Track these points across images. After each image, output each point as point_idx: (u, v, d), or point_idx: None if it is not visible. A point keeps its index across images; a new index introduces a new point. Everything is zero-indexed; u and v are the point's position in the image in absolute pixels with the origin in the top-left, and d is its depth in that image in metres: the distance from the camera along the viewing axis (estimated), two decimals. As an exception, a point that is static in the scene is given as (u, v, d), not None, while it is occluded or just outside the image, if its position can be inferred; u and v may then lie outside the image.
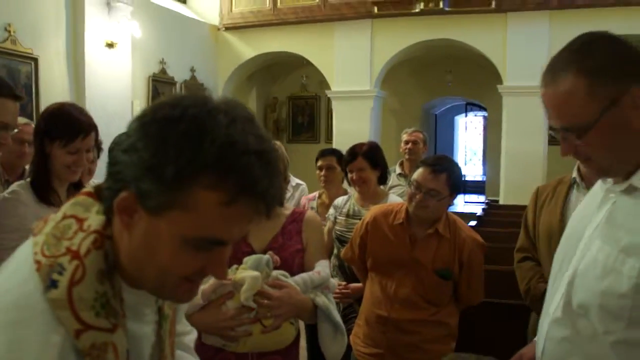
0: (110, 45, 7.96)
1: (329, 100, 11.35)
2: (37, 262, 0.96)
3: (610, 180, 1.52)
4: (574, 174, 2.82)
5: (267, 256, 2.24)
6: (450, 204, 2.81)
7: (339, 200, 3.82)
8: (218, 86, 10.86)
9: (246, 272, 2.16)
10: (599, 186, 1.61)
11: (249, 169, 0.90)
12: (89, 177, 2.96)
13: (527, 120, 9.51)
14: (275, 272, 2.24)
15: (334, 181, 4.19)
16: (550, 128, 1.52)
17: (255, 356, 2.23)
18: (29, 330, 0.90)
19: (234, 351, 2.18)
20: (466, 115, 15.67)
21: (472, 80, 12.25)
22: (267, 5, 10.55)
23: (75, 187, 2.48)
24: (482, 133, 16.13)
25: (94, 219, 1.00)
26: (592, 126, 1.40)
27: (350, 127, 9.91)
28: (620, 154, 1.44)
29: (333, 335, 2.28)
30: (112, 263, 0.99)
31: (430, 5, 9.64)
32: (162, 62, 9.35)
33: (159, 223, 0.92)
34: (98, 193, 1.04)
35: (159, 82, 9.28)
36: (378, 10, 9.96)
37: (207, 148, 0.88)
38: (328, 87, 10.78)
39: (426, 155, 5.22)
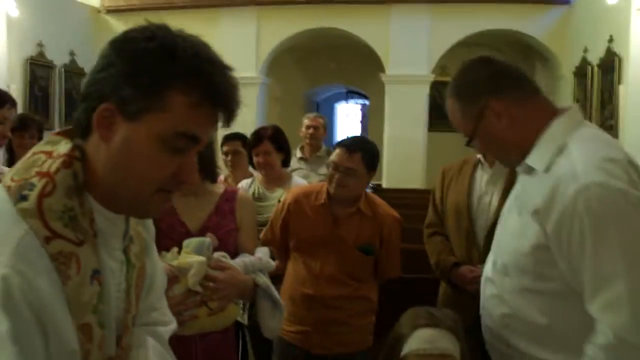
0: (-17, 24, 7.47)
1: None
2: (7, 186, 1.04)
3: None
4: (479, 155, 3.04)
5: (208, 239, 2.27)
6: (369, 181, 2.94)
7: (243, 184, 3.85)
8: (99, 71, 10.43)
9: (191, 257, 2.18)
10: None
11: (212, 77, 1.06)
12: None
13: (409, 108, 9.95)
14: (216, 254, 2.28)
15: (240, 165, 4.22)
16: None
17: (198, 337, 2.26)
18: None
19: (180, 334, 2.19)
20: (347, 103, 16.08)
21: (355, 68, 12.56)
22: (150, -11, 10.28)
23: None
24: (361, 120, 16.55)
25: (62, 147, 1.09)
26: (473, 136, 1.79)
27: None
28: (506, 148, 1.79)
29: (272, 312, 2.35)
30: (81, 183, 1.07)
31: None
32: (40, 44, 8.85)
33: (138, 127, 1.04)
34: (65, 132, 1.14)
35: (36, 66, 8.79)
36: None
37: (179, 57, 1.03)
38: (214, 74, 10.66)
39: (325, 140, 5.40)
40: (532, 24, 9.79)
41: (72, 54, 9.62)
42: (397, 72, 9.96)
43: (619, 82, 7.52)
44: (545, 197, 1.61)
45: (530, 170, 1.74)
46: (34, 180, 1.03)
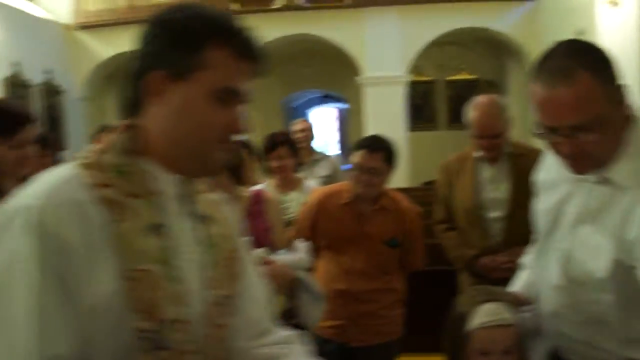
0: (-41, 47, 7.38)
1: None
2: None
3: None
4: (475, 154, 3.12)
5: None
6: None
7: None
8: (76, 88, 10.39)
9: None
10: (557, 171, 1.72)
11: (247, 37, 1.18)
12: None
13: (387, 108, 10.12)
14: (257, 252, 2.38)
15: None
16: (546, 130, 1.54)
17: None
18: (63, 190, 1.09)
19: None
20: (323, 107, 16.15)
21: (330, 72, 12.68)
22: (122, 3, 10.25)
23: None
24: (337, 124, 16.56)
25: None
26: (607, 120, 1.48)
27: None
28: (610, 146, 1.54)
29: (313, 303, 2.47)
30: (138, 147, 1.18)
31: (290, 1, 9.98)
32: (15, 64, 8.76)
33: (189, 87, 1.15)
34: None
35: (14, 86, 8.71)
36: (239, 6, 10.06)
37: (211, 19, 1.17)
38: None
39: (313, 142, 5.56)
40: (501, 21, 10.08)
41: (47, 72, 9.51)
42: (373, 74, 10.15)
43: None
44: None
45: (604, 183, 1.57)
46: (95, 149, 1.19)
